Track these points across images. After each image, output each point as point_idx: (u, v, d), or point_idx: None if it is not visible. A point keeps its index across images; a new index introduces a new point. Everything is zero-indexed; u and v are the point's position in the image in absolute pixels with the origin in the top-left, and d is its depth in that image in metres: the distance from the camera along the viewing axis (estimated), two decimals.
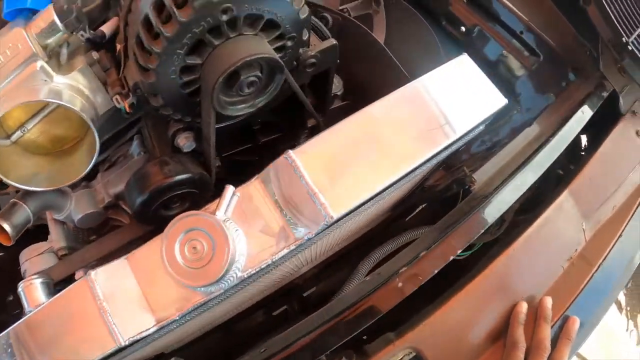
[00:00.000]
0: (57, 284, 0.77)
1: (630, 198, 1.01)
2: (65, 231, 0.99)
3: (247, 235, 0.62)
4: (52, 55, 0.76)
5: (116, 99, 0.76)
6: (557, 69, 1.18)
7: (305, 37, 0.76)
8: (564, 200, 0.95)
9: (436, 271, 0.77)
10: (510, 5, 1.19)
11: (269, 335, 0.79)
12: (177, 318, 0.61)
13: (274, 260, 0.63)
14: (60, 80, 0.76)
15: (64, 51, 0.77)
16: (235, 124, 0.86)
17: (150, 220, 0.85)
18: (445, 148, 0.70)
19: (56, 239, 0.97)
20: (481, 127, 0.77)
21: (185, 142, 0.85)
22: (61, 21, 0.72)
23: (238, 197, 0.63)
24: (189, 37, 0.65)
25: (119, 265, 0.63)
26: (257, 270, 0.62)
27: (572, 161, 1.05)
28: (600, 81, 1.09)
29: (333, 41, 0.82)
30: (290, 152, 0.63)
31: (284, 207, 0.63)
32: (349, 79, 1.05)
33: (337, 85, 1.05)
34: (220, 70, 0.66)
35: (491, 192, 0.87)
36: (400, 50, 1.30)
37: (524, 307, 0.81)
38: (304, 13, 0.72)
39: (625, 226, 0.97)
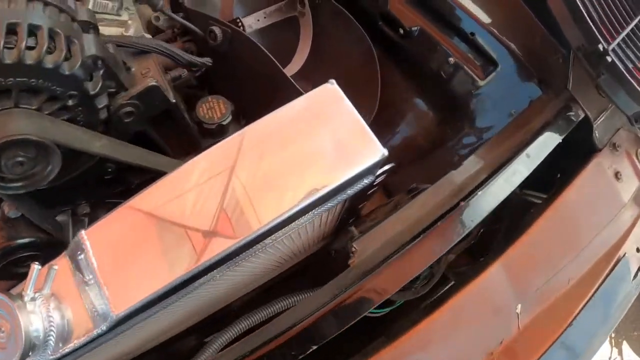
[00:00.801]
0: None
1: (595, 269, 0.76)
2: None
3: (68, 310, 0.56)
4: None
5: None
6: (520, 80, 0.91)
7: (95, 89, 0.61)
8: (494, 272, 0.72)
9: None
10: (463, 4, 0.92)
11: None
12: None
13: (76, 346, 0.55)
14: None
15: None
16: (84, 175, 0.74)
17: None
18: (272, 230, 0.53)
19: None
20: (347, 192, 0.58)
21: (8, 209, 0.75)
22: None
23: (55, 270, 0.56)
24: None
25: None
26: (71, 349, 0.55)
27: (517, 211, 0.80)
28: (569, 102, 0.81)
29: (150, 82, 0.65)
30: (83, 232, 0.54)
31: (82, 293, 0.55)
32: (242, 98, 0.87)
33: (223, 113, 0.87)
34: None
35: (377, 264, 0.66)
36: (329, 55, 1.09)
37: None
38: (71, 67, 0.57)
39: (581, 310, 0.73)
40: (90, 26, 0.64)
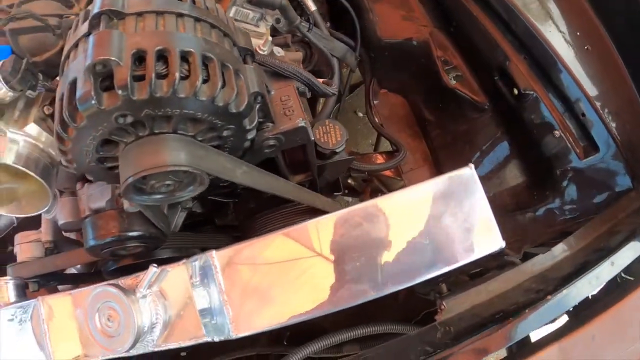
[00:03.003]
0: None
1: None
2: (53, 226, 1.05)
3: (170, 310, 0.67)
4: (8, 108, 0.75)
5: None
6: (615, 170, 0.94)
7: (250, 125, 0.64)
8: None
9: None
10: (578, 78, 0.94)
11: None
12: None
13: (181, 346, 0.66)
14: (13, 134, 0.76)
15: (19, 105, 0.76)
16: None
17: (102, 255, 0.86)
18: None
19: (44, 232, 1.04)
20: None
21: (128, 205, 0.82)
22: (7, 82, 0.69)
23: (167, 272, 0.66)
24: (93, 135, 0.58)
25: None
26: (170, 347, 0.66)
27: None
28: None
29: (300, 123, 0.70)
30: (214, 252, 0.65)
31: (197, 300, 0.65)
32: None
33: (338, 140, 0.92)
34: (124, 175, 0.59)
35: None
36: None
37: None
38: (238, 106, 0.59)
39: None
40: (248, 53, 0.67)
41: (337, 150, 0.90)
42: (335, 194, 1.09)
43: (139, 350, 0.67)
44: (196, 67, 0.52)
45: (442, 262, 0.61)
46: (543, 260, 0.77)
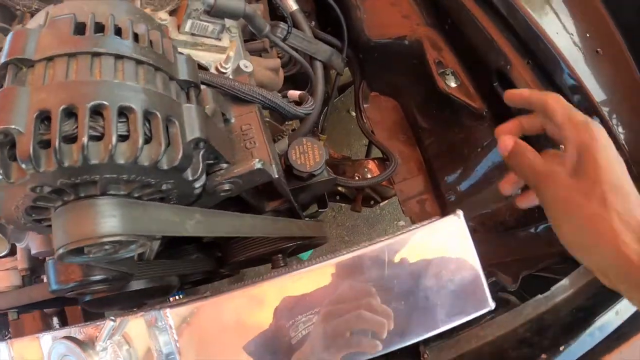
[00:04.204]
0: None
1: None
2: (27, 254, 1.01)
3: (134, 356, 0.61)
4: None
5: None
6: None
7: (194, 176, 0.55)
8: None
9: None
10: (586, 85, 0.83)
11: None
12: None
13: None
14: None
15: None
16: None
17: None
18: None
19: (20, 259, 1.00)
20: None
21: None
22: None
23: (128, 322, 0.61)
24: (15, 205, 0.51)
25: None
26: None
27: None
28: None
29: (256, 165, 0.60)
30: (169, 310, 0.59)
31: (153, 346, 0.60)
32: None
33: (317, 162, 0.83)
34: (56, 243, 0.52)
35: None
36: None
37: None
38: (171, 162, 0.49)
39: None
40: (191, 85, 0.56)
41: (316, 173, 0.82)
42: (320, 210, 1.01)
43: None
44: (110, 124, 0.42)
45: (419, 330, 0.53)
46: (540, 303, 0.70)
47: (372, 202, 1.21)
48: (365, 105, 1.09)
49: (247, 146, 0.65)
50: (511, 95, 0.69)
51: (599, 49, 0.88)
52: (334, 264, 0.54)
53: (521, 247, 0.94)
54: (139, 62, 0.48)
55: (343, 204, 1.26)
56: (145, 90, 0.47)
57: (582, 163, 0.55)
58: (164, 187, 0.54)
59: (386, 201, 1.26)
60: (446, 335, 0.69)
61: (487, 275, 0.87)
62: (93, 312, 1.00)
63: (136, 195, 0.53)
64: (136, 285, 0.85)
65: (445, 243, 0.55)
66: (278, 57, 0.98)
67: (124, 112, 0.44)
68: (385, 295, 0.53)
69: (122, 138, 0.44)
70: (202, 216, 0.59)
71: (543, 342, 0.64)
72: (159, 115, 0.47)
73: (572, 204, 0.54)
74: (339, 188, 1.20)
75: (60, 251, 0.50)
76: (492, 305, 0.54)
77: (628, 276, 0.49)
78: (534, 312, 0.69)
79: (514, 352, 0.64)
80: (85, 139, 0.40)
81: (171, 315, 0.60)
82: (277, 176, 0.63)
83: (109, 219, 0.48)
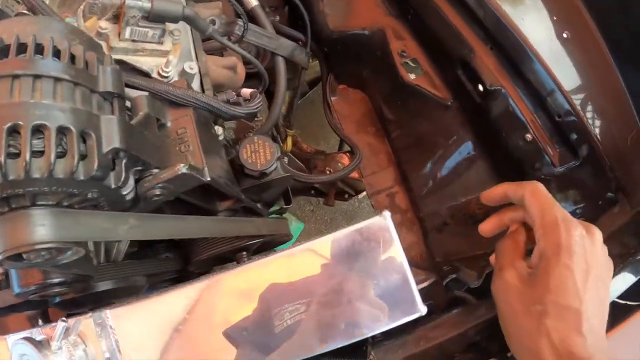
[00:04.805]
0: None
1: None
2: None
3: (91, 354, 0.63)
4: None
5: None
6: (595, 181, 0.81)
7: (117, 183, 0.54)
8: None
9: None
10: (553, 71, 0.80)
11: None
12: None
13: None
14: None
15: None
16: None
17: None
18: None
19: None
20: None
21: None
22: None
23: (81, 322, 0.63)
24: None
25: None
26: None
27: None
28: None
29: (180, 170, 0.57)
30: (108, 312, 0.62)
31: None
32: None
33: (268, 160, 0.81)
34: None
35: None
36: None
37: None
38: (88, 172, 0.50)
39: None
40: (115, 96, 0.56)
41: (267, 171, 0.81)
42: (284, 207, 1.00)
43: None
44: (25, 142, 0.44)
45: (344, 336, 0.52)
46: (494, 304, 0.67)
47: (346, 196, 1.20)
48: (333, 99, 1.07)
49: (182, 149, 0.64)
50: (487, 198, 0.70)
51: (566, 33, 0.84)
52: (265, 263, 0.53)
53: (489, 240, 0.91)
54: (57, 79, 0.49)
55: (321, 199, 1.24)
56: (61, 107, 0.48)
57: (537, 272, 0.55)
58: (89, 195, 0.54)
59: (363, 194, 1.25)
60: (395, 335, 0.67)
61: (450, 271, 0.85)
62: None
63: (65, 204, 0.53)
64: (104, 285, 0.86)
65: (371, 245, 0.52)
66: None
67: (40, 130, 0.46)
68: (306, 296, 0.52)
69: (38, 154, 0.46)
70: (138, 220, 0.59)
71: (492, 346, 0.62)
72: (73, 130, 0.49)
73: (515, 310, 0.55)
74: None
75: (0, 257, 0.51)
76: (423, 310, 0.52)
77: None
78: (487, 314, 0.66)
79: (462, 356, 0.63)
80: (2, 158, 0.43)
81: (111, 315, 0.62)
82: (209, 179, 0.62)
83: (39, 227, 0.49)
